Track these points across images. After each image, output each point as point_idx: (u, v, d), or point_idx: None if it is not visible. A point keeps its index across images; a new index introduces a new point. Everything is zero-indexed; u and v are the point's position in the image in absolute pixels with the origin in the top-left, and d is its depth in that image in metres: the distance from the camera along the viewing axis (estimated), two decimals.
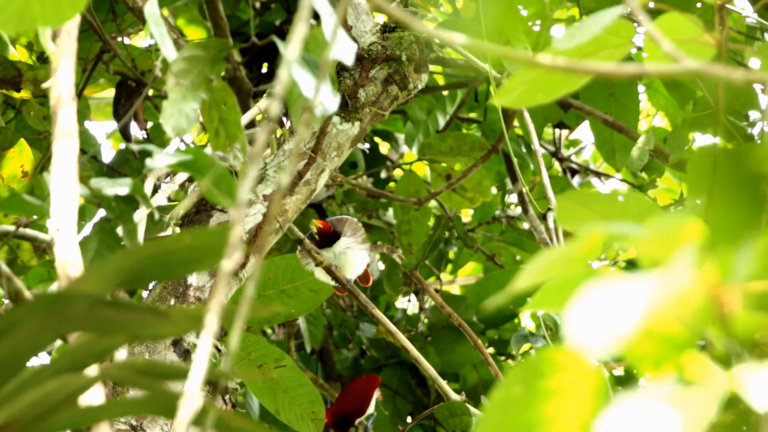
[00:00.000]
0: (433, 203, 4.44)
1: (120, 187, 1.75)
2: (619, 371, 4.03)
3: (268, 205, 2.71)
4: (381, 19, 3.00)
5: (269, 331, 4.76)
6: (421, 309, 4.76)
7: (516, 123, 4.31)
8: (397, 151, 5.13)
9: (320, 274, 3.09)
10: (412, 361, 3.23)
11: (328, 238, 3.17)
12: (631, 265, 4.05)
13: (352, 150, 2.88)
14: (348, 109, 2.80)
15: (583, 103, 3.82)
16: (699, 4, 3.24)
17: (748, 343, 1.06)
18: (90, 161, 3.94)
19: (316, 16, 1.73)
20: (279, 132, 2.87)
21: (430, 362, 3.22)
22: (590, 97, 3.79)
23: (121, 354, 2.21)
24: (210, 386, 2.50)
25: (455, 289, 5.24)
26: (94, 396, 1.36)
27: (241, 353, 2.91)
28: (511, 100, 1.56)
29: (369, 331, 4.71)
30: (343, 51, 1.70)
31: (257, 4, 4.74)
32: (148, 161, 1.69)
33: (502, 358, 4.66)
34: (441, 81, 4.65)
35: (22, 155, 2.89)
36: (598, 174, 5.15)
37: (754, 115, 3.17)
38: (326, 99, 1.72)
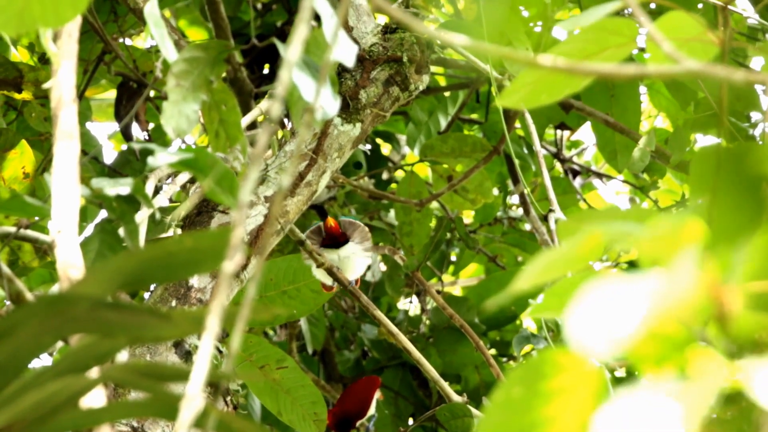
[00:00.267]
0: (434, 204, 4.45)
1: (121, 188, 1.75)
2: (620, 372, 4.03)
3: (269, 206, 2.71)
4: (382, 20, 3.00)
5: (271, 332, 4.76)
6: (423, 310, 4.76)
7: (517, 124, 4.31)
8: (399, 153, 5.13)
9: (321, 275, 3.09)
10: (413, 363, 3.23)
11: (336, 239, 3.17)
12: (633, 266, 4.05)
13: (354, 151, 2.88)
14: (349, 110, 2.80)
15: (584, 104, 3.82)
16: (700, 5, 3.24)
17: (749, 343, 1.06)
18: (91, 162, 3.94)
19: (317, 17, 1.73)
20: (280, 133, 2.87)
21: (431, 363, 3.22)
22: (592, 98, 3.79)
23: (123, 356, 2.21)
24: (211, 388, 2.50)
25: (457, 291, 5.24)
26: (96, 398, 1.36)
27: (243, 354, 2.91)
28: (515, 101, 1.56)
29: (371, 333, 4.72)
30: (344, 53, 1.70)
31: (258, 6, 4.74)
32: (150, 159, 1.69)
33: (504, 359, 4.66)
34: (442, 82, 4.65)
35: (23, 156, 2.89)
36: (599, 175, 5.15)
37: (755, 116, 3.17)
38: (326, 102, 1.71)
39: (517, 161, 3.21)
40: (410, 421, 4.58)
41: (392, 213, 4.63)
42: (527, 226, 4.81)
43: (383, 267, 4.62)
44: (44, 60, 3.48)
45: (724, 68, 1.11)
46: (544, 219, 3.59)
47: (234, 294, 2.74)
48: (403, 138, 4.99)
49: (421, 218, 4.30)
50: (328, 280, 3.13)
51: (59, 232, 1.57)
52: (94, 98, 4.28)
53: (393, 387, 4.60)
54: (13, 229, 1.92)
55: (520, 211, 4.79)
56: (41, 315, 1.27)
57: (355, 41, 2.83)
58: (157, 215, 2.27)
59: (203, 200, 2.72)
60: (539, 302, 1.25)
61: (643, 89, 4.03)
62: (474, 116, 4.79)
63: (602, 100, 3.77)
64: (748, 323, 1.03)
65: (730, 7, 1.57)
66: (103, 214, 1.83)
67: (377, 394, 3.57)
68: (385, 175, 4.86)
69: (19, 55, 3.48)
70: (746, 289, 1.02)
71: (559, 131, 4.82)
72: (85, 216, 3.80)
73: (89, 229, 1.85)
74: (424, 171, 4.73)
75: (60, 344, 1.69)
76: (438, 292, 4.55)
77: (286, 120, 2.95)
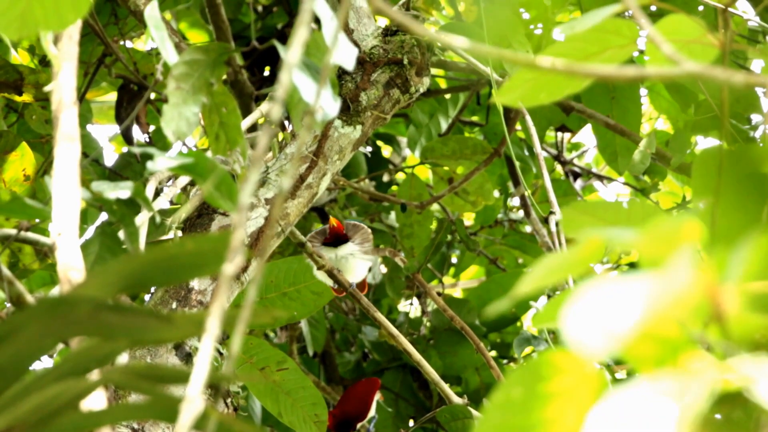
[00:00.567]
0: (435, 207, 4.45)
1: (121, 191, 1.75)
2: (621, 374, 4.03)
3: (269, 208, 2.71)
4: (383, 22, 3.00)
5: (271, 334, 4.76)
6: (424, 312, 4.76)
7: (518, 126, 4.31)
8: (400, 155, 5.13)
9: (321, 277, 3.10)
10: (414, 365, 3.23)
11: (338, 239, 3.17)
12: (634, 267, 4.05)
13: (354, 153, 2.88)
14: (350, 112, 2.80)
15: (585, 106, 3.83)
16: (701, 7, 3.24)
17: (748, 343, 1.06)
18: (92, 165, 3.94)
19: (317, 20, 1.73)
20: (281, 135, 2.87)
21: (432, 365, 3.22)
22: (592, 100, 3.79)
23: (123, 358, 2.21)
24: (212, 390, 2.50)
25: (457, 293, 5.24)
26: (96, 400, 1.36)
27: (243, 356, 2.91)
28: (514, 99, 1.56)
29: (371, 335, 4.72)
30: (344, 55, 1.70)
31: (259, 8, 4.74)
32: (149, 164, 1.70)
33: (505, 361, 4.66)
34: (443, 84, 4.65)
35: (23, 159, 2.90)
36: (600, 177, 5.15)
37: (755, 118, 3.17)
38: (327, 104, 1.72)
39: (517, 163, 3.21)
40: (411, 423, 4.58)
41: (393, 215, 4.63)
42: (528, 228, 4.81)
43: (384, 269, 4.62)
44: (45, 62, 3.48)
45: (724, 70, 1.11)
46: (545, 221, 3.59)
47: (234, 296, 2.74)
48: (403, 140, 4.99)
49: (422, 220, 4.30)
50: (329, 282, 3.13)
51: (60, 235, 1.58)
52: (94, 101, 4.28)
53: (393, 389, 4.60)
54: (13, 232, 1.92)
55: (521, 213, 4.80)
56: (42, 317, 1.27)
57: (356, 44, 2.84)
58: (158, 218, 2.27)
59: (204, 202, 2.73)
60: (542, 311, 1.25)
61: (643, 91, 4.04)
62: (475, 118, 4.79)
63: (603, 103, 3.77)
64: (746, 324, 1.03)
65: (730, 9, 1.57)
66: (104, 216, 1.83)
67: (377, 396, 3.57)
68: (385, 178, 4.86)
69: (19, 57, 3.48)
70: (744, 289, 1.02)
71: (559, 133, 4.82)
72: (85, 219, 3.81)
73: (90, 232, 1.85)
74: (425, 173, 4.74)
75: (61, 347, 1.69)
76: (438, 294, 4.55)
77: (286, 122, 2.95)
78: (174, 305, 2.61)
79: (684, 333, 1.01)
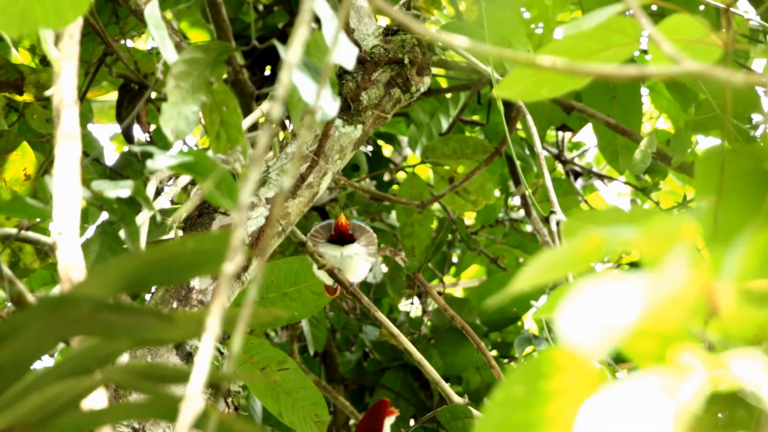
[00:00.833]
0: (436, 206, 4.45)
1: (122, 190, 1.75)
2: (622, 374, 4.03)
3: (270, 208, 2.71)
4: (384, 21, 3.00)
5: (272, 333, 4.76)
6: (424, 312, 4.76)
7: (519, 126, 4.31)
8: (400, 154, 5.13)
9: (322, 276, 3.10)
10: (414, 364, 3.23)
11: (343, 237, 3.17)
12: (635, 267, 4.05)
13: (355, 153, 2.88)
14: (350, 111, 2.80)
15: (586, 105, 3.83)
16: (702, 7, 3.24)
17: (745, 340, 1.06)
18: (93, 164, 3.94)
19: (318, 19, 1.73)
20: (281, 135, 2.87)
21: (432, 365, 3.22)
22: (593, 99, 3.79)
23: (124, 357, 2.20)
24: (212, 389, 2.50)
25: (458, 292, 5.24)
26: (97, 400, 1.36)
27: (244, 356, 2.91)
28: (515, 93, 1.55)
29: (372, 334, 4.72)
30: (344, 55, 1.70)
31: (260, 7, 4.74)
32: (149, 162, 1.70)
33: (505, 360, 4.66)
34: (444, 84, 4.65)
35: (24, 158, 2.90)
36: (601, 176, 5.15)
37: (756, 117, 3.17)
38: (326, 104, 1.71)
39: (518, 163, 3.21)
40: (411, 422, 4.58)
41: (394, 214, 4.63)
42: (529, 228, 4.81)
43: (384, 268, 4.62)
44: (45, 62, 3.48)
45: (725, 70, 1.11)
46: (546, 220, 3.59)
47: (235, 296, 2.74)
48: (404, 139, 5.00)
49: (423, 220, 4.30)
50: (329, 281, 3.13)
51: (60, 234, 1.58)
52: (95, 100, 4.28)
53: (394, 388, 4.60)
54: (14, 231, 1.92)
55: (522, 212, 4.80)
56: (43, 317, 1.27)
57: (357, 43, 2.84)
58: (158, 217, 2.27)
59: (204, 202, 2.73)
60: (544, 304, 1.25)
61: (644, 91, 4.04)
62: (475, 118, 4.79)
63: (604, 102, 3.77)
64: (742, 321, 1.03)
65: (733, 9, 1.57)
66: (105, 216, 1.83)
67: (389, 419, 3.54)
68: (386, 177, 4.86)
69: (20, 57, 3.48)
70: (740, 286, 1.02)
71: (560, 133, 4.82)
72: (86, 218, 3.81)
73: (90, 231, 1.85)
74: (426, 172, 4.73)
75: (61, 346, 1.69)
76: (439, 293, 4.55)
77: (287, 121, 2.95)
78: (175, 304, 2.61)
79: (682, 330, 1.01)
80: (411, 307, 4.88)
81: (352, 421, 4.72)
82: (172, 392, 1.32)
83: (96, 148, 3.92)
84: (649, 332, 1.02)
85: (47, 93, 1.74)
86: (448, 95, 4.60)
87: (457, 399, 3.20)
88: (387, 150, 5.09)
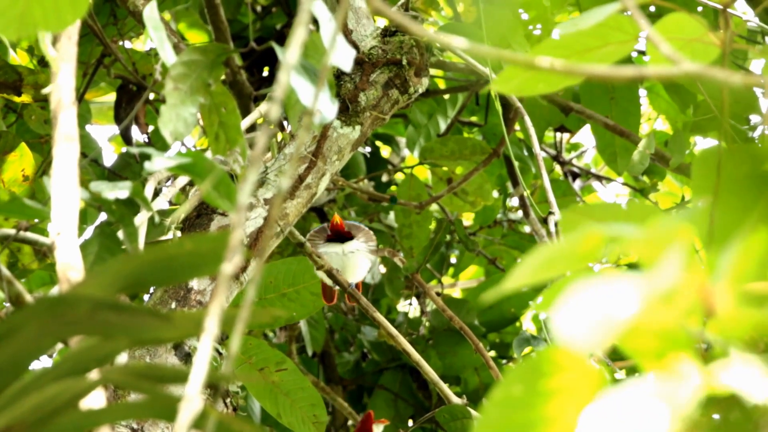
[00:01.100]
0: (434, 207, 4.45)
1: (120, 191, 1.75)
2: (620, 373, 4.03)
3: (268, 208, 2.71)
4: (382, 23, 3.01)
5: (270, 334, 4.76)
6: (423, 312, 4.76)
7: (517, 127, 4.32)
8: (399, 155, 5.13)
9: (322, 277, 3.10)
10: (413, 365, 3.23)
11: (341, 236, 3.18)
12: (633, 268, 4.05)
13: (353, 154, 2.89)
14: (349, 113, 2.80)
15: (584, 106, 3.83)
16: (700, 8, 3.24)
17: (742, 342, 1.06)
18: (91, 165, 3.94)
19: (316, 20, 1.74)
20: (279, 136, 2.87)
21: (431, 365, 3.22)
22: (591, 100, 3.80)
23: (122, 357, 2.21)
24: (211, 390, 2.50)
25: (456, 293, 5.24)
26: (96, 400, 1.36)
27: (242, 357, 2.91)
28: (512, 88, 1.55)
29: (370, 335, 4.72)
30: (342, 57, 1.70)
31: (258, 9, 4.74)
32: (147, 164, 1.70)
33: (504, 361, 4.66)
34: (442, 85, 4.65)
35: (23, 159, 2.90)
36: (599, 177, 5.15)
37: (754, 119, 3.18)
38: (324, 106, 1.72)
39: (516, 164, 3.21)
40: (410, 423, 4.58)
41: (392, 215, 4.63)
42: (527, 229, 4.82)
43: (383, 269, 4.62)
44: (43, 63, 3.48)
45: (723, 70, 1.12)
46: (544, 221, 3.59)
47: (234, 296, 2.74)
48: (402, 140, 4.99)
49: (421, 221, 4.30)
50: (328, 282, 3.13)
51: (59, 235, 1.58)
52: (93, 101, 4.28)
53: (392, 389, 4.60)
54: (12, 232, 1.92)
55: (520, 213, 4.80)
56: (41, 317, 1.28)
57: (355, 44, 2.84)
58: (157, 218, 2.28)
59: (203, 202, 2.73)
60: (542, 299, 1.25)
61: (642, 92, 4.04)
62: (473, 119, 4.79)
63: (602, 103, 3.77)
64: (738, 322, 1.03)
65: (731, 11, 1.57)
66: (103, 216, 1.83)
67: (378, 428, 3.52)
68: (384, 178, 4.86)
69: (18, 58, 3.48)
70: (737, 288, 1.02)
71: (558, 134, 4.82)
72: (84, 219, 3.81)
73: (89, 232, 1.85)
74: (424, 173, 4.74)
75: (60, 346, 1.69)
76: (438, 294, 4.55)
77: (285, 123, 2.95)
78: (173, 305, 2.61)
79: (679, 328, 1.01)
80: (409, 307, 4.88)
81: (350, 422, 4.72)
82: (171, 392, 1.32)
83: (94, 149, 3.92)
84: (647, 330, 1.02)
85: (45, 91, 1.74)
86: (446, 96, 4.60)
87: (456, 399, 3.20)
88: (385, 151, 5.09)
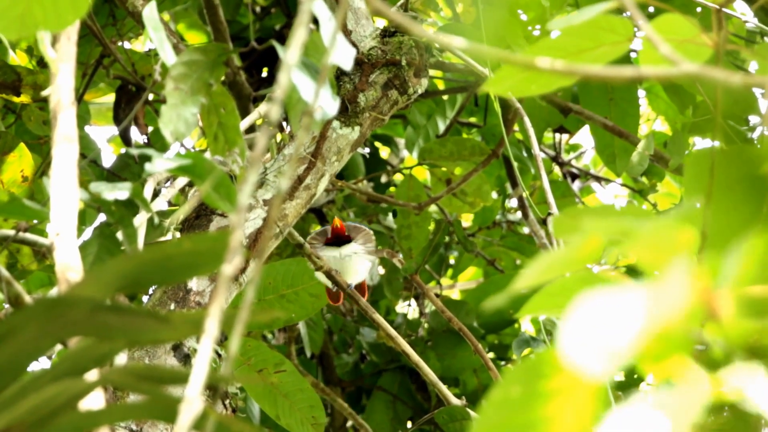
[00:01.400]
0: (433, 208, 4.45)
1: (120, 192, 1.75)
2: (619, 375, 4.03)
3: (268, 209, 2.71)
4: (381, 23, 3.00)
5: (269, 335, 4.76)
6: (422, 314, 4.76)
7: (516, 127, 4.32)
8: (398, 156, 5.13)
9: (320, 278, 3.10)
10: (412, 366, 3.23)
11: (340, 239, 3.18)
12: (632, 270, 4.06)
13: (352, 155, 2.88)
14: (348, 113, 2.80)
15: (583, 107, 3.83)
16: (699, 9, 3.24)
17: (743, 347, 1.06)
18: (90, 166, 3.94)
19: (316, 20, 1.73)
20: (279, 136, 2.87)
21: (430, 367, 3.22)
22: (590, 101, 3.79)
23: (121, 358, 2.20)
24: (210, 391, 2.50)
25: (455, 294, 5.23)
26: (94, 401, 1.36)
27: (241, 358, 2.91)
28: (505, 89, 1.55)
29: (369, 336, 4.71)
30: (342, 56, 1.70)
31: (257, 9, 4.74)
32: (147, 165, 1.70)
33: (503, 362, 4.66)
34: (441, 85, 4.65)
35: (22, 160, 2.89)
36: (598, 179, 5.15)
37: (753, 119, 3.17)
38: (326, 104, 1.72)
39: (515, 164, 3.21)
40: (409, 425, 4.58)
41: (391, 216, 4.63)
42: (526, 230, 4.81)
43: (382, 270, 4.62)
44: (43, 63, 3.48)
45: (723, 71, 1.11)
46: (543, 222, 3.59)
47: (233, 297, 2.74)
48: (401, 141, 4.99)
49: (420, 222, 4.30)
50: (327, 283, 3.13)
51: (58, 235, 1.58)
52: (92, 102, 4.28)
53: (391, 390, 4.60)
54: (11, 232, 1.92)
55: (519, 214, 4.80)
56: (40, 318, 1.27)
57: (354, 45, 2.84)
58: (156, 219, 2.27)
59: (202, 203, 2.72)
60: (531, 301, 1.25)
61: (641, 93, 4.04)
62: (473, 120, 4.79)
63: (601, 104, 3.77)
64: (740, 328, 1.03)
65: (728, 11, 1.57)
66: (102, 217, 1.83)
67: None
68: (383, 179, 4.86)
69: (17, 58, 3.48)
70: (739, 293, 1.02)
71: (557, 135, 4.82)
72: (83, 219, 3.80)
73: (88, 233, 1.85)
74: (423, 174, 4.73)
75: (59, 347, 1.69)
76: (436, 295, 4.55)
77: (284, 123, 2.95)
78: (172, 306, 2.61)
79: (683, 333, 1.01)
80: (408, 309, 4.87)
81: (349, 423, 4.71)
82: (170, 393, 1.32)
83: (93, 150, 3.92)
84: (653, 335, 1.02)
85: (44, 93, 1.74)
86: (445, 97, 4.60)
87: (455, 401, 3.20)
88: (384, 152, 5.08)
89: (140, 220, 2.27)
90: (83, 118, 3.93)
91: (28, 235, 1.93)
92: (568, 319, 0.97)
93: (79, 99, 3.74)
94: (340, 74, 2.83)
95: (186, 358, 2.60)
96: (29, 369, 1.33)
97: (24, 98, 3.07)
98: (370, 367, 4.75)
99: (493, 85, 1.55)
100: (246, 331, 2.97)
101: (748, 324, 1.03)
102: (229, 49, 1.95)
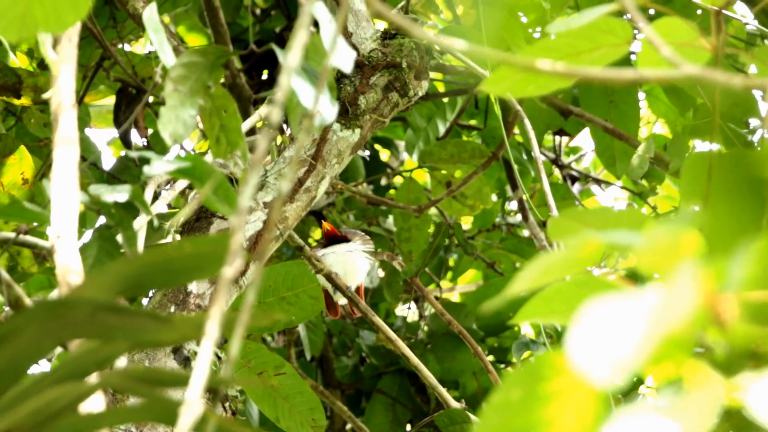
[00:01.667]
0: (433, 211, 4.44)
1: (120, 194, 1.75)
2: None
3: (268, 212, 2.71)
4: (382, 25, 3.00)
5: (269, 338, 4.75)
6: (421, 316, 4.75)
7: (516, 130, 4.31)
8: (398, 159, 5.13)
9: (320, 281, 3.10)
10: (411, 369, 3.22)
11: (336, 240, 3.18)
12: (632, 273, 4.06)
13: (353, 157, 2.88)
14: (348, 116, 2.80)
15: (583, 110, 3.83)
16: (699, 11, 3.24)
17: (747, 352, 1.05)
18: (90, 168, 3.94)
19: (316, 23, 1.73)
20: (279, 139, 2.87)
21: (429, 370, 3.21)
22: (590, 104, 3.79)
23: (121, 361, 2.20)
24: (210, 394, 2.50)
25: (455, 297, 5.23)
26: (95, 403, 1.36)
27: (242, 361, 2.91)
28: (503, 89, 1.55)
29: (369, 339, 4.71)
30: (342, 59, 1.70)
31: (257, 11, 4.74)
32: (146, 168, 1.69)
33: (502, 365, 4.66)
34: (441, 88, 4.65)
35: (22, 162, 2.89)
36: (598, 181, 5.15)
37: (754, 122, 3.17)
38: (325, 109, 1.72)
39: (516, 167, 3.21)
40: (408, 427, 4.58)
41: (391, 219, 4.63)
42: (526, 233, 4.81)
43: (381, 273, 4.62)
44: (43, 66, 3.48)
45: (723, 73, 1.11)
46: (543, 225, 3.59)
47: (233, 300, 2.74)
48: (401, 144, 4.99)
49: (420, 224, 4.30)
50: (328, 287, 3.13)
51: (58, 238, 1.57)
52: (93, 104, 4.28)
53: (391, 393, 4.60)
54: (12, 235, 1.92)
55: (519, 217, 4.80)
56: (40, 320, 1.27)
57: (354, 47, 2.84)
58: (156, 221, 2.27)
59: (202, 206, 2.72)
60: (527, 306, 1.24)
61: (641, 95, 4.04)
62: (473, 122, 4.79)
63: (601, 107, 3.77)
64: (745, 334, 1.03)
65: (729, 13, 1.57)
66: (102, 220, 1.83)
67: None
68: (383, 181, 4.86)
69: (18, 60, 3.48)
70: (744, 298, 1.02)
71: (557, 137, 4.82)
72: (83, 222, 3.80)
73: (88, 236, 1.85)
74: (423, 177, 4.73)
75: (59, 350, 1.69)
76: (436, 298, 4.55)
77: (285, 126, 2.95)
78: (172, 309, 2.61)
79: (685, 337, 1.01)
80: (408, 311, 4.87)
81: (349, 426, 4.71)
82: (170, 396, 1.32)
83: (93, 153, 3.92)
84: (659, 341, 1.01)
85: (45, 96, 1.74)
86: (446, 100, 4.60)
87: (454, 404, 3.19)
88: (384, 154, 5.08)
89: (140, 223, 2.27)
90: (83, 121, 3.93)
91: (29, 238, 1.93)
92: (576, 325, 0.97)
93: (80, 101, 3.74)
94: (340, 76, 2.82)
95: (186, 361, 2.60)
96: (30, 371, 1.33)
97: (24, 101, 3.07)
98: (370, 369, 4.75)
99: (491, 85, 1.55)
100: (246, 334, 2.97)
101: (752, 329, 1.02)
102: (229, 50, 1.95)
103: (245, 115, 3.83)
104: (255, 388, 2.97)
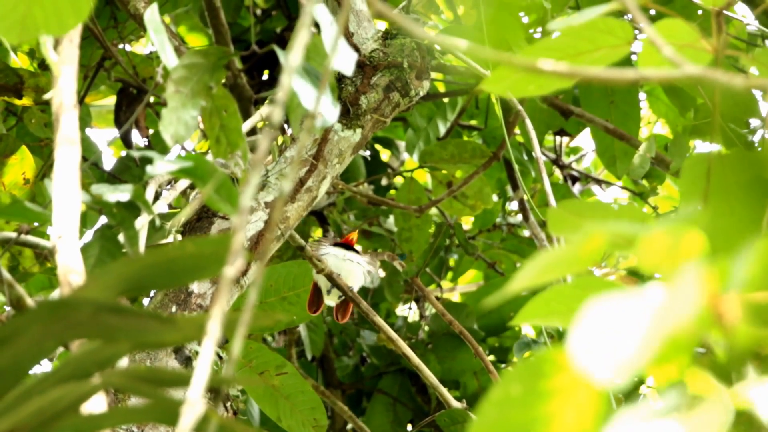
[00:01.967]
0: (433, 211, 4.44)
1: (121, 194, 1.75)
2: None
3: (269, 212, 2.71)
4: (383, 25, 3.00)
5: (270, 338, 4.76)
6: (422, 316, 4.75)
7: (517, 130, 4.31)
8: (398, 159, 5.13)
9: (321, 281, 3.10)
10: (412, 369, 3.22)
11: (347, 247, 3.19)
12: (633, 273, 4.05)
13: (353, 157, 2.89)
14: (349, 116, 2.80)
15: (584, 110, 3.83)
16: (700, 12, 3.24)
17: (749, 353, 1.05)
18: (91, 168, 3.94)
19: (317, 23, 1.74)
20: (280, 139, 2.87)
21: (430, 370, 3.22)
22: (591, 104, 3.79)
23: (123, 361, 2.20)
24: (212, 393, 2.50)
25: (456, 297, 5.23)
26: (97, 404, 1.36)
27: (243, 360, 2.91)
28: (503, 88, 1.55)
29: (370, 339, 4.71)
30: (343, 60, 1.70)
31: (258, 12, 4.74)
32: (148, 168, 1.70)
33: (503, 365, 4.66)
34: (442, 88, 4.65)
35: (23, 162, 2.89)
36: (598, 181, 5.15)
37: (754, 122, 3.17)
38: (326, 110, 1.72)
39: (516, 167, 3.21)
40: (409, 427, 4.58)
41: (391, 219, 4.62)
42: (526, 233, 4.81)
43: (382, 273, 4.62)
44: (44, 66, 3.48)
45: (724, 73, 1.11)
46: (544, 225, 3.58)
47: (234, 300, 2.74)
48: (402, 144, 4.99)
49: (421, 224, 4.30)
50: (324, 287, 3.14)
51: (60, 238, 1.58)
52: (94, 104, 4.28)
53: (392, 393, 4.60)
54: (13, 235, 1.92)
55: (520, 217, 4.80)
56: (42, 320, 1.27)
57: (356, 47, 2.84)
58: (157, 221, 2.27)
59: (203, 206, 2.73)
60: (527, 307, 1.24)
61: (642, 96, 4.04)
62: (473, 122, 4.79)
63: (602, 107, 3.77)
64: (748, 335, 1.02)
65: (730, 14, 1.57)
66: (103, 220, 1.83)
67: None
68: (384, 181, 4.86)
69: (19, 61, 3.48)
70: (746, 299, 1.02)
71: (558, 137, 4.82)
72: (85, 222, 3.80)
73: (89, 235, 1.85)
74: (424, 177, 4.73)
75: (61, 350, 1.69)
76: (437, 298, 4.55)
77: (286, 126, 2.95)
78: (174, 309, 2.61)
79: (688, 336, 1.00)
80: (409, 311, 4.87)
81: (349, 426, 4.71)
82: (172, 396, 1.32)
83: (94, 153, 3.92)
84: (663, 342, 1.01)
85: (46, 96, 1.74)
86: (446, 100, 4.60)
87: (455, 404, 3.20)
88: (385, 154, 5.08)
89: (142, 223, 2.27)
90: (84, 121, 3.93)
91: (30, 238, 1.93)
92: (579, 323, 0.97)
93: (80, 101, 3.75)
94: (341, 76, 2.82)
95: (187, 361, 2.60)
96: (31, 372, 1.33)
97: (26, 101, 3.07)
98: (371, 369, 4.75)
99: (492, 84, 1.55)
100: (247, 334, 2.97)
101: (755, 330, 1.02)
102: (230, 51, 1.95)
103: (246, 116, 3.83)
104: (256, 387, 2.97)
